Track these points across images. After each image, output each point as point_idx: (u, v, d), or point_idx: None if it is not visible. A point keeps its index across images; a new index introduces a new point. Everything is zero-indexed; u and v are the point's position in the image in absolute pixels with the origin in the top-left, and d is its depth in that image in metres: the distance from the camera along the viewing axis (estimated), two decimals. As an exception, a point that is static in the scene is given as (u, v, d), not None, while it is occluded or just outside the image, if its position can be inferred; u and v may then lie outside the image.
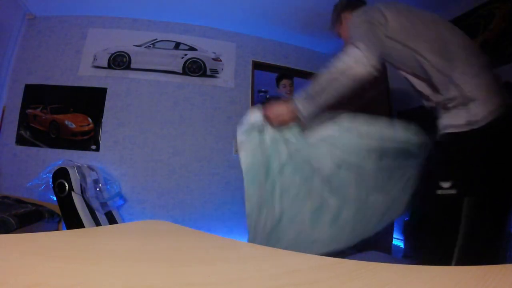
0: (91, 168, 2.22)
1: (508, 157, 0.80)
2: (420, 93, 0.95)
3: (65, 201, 1.88)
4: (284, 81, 2.38)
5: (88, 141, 2.48)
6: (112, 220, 2.16)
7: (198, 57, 2.70)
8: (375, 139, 1.03)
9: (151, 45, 2.66)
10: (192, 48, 2.71)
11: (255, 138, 1.04)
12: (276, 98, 2.30)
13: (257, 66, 2.92)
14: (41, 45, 2.54)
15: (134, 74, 2.61)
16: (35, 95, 2.48)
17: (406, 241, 2.19)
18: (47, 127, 2.45)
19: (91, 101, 2.53)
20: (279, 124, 1.05)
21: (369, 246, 1.21)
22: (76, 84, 2.52)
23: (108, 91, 2.55)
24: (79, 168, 2.04)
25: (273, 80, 2.53)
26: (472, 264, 0.29)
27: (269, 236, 1.02)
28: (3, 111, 2.43)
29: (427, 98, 0.93)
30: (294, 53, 3.06)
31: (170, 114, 2.62)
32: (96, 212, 2.01)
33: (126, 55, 2.61)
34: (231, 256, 0.39)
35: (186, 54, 2.69)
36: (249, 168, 1.02)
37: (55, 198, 1.95)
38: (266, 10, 2.50)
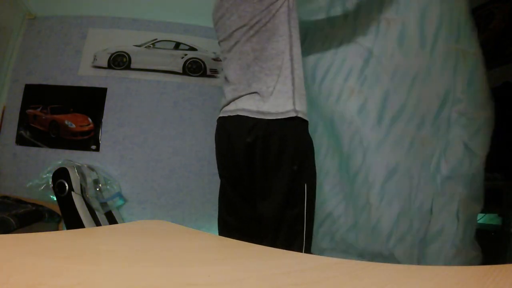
0: (91, 168, 2.22)
1: None
2: None
3: (65, 201, 1.88)
4: None
5: (88, 141, 2.48)
6: (112, 220, 2.16)
7: (198, 57, 2.70)
8: None
9: (151, 45, 2.66)
10: (192, 48, 2.71)
11: None
12: None
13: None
14: (41, 45, 2.54)
15: (134, 74, 2.61)
16: (35, 95, 2.48)
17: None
18: (47, 127, 2.45)
19: (91, 101, 2.53)
20: None
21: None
22: (76, 84, 2.52)
23: (108, 91, 2.54)
24: (79, 168, 2.04)
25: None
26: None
27: None
28: (3, 111, 2.43)
29: None
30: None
31: (170, 114, 2.62)
32: (96, 212, 2.01)
33: (126, 55, 2.61)
34: (231, 256, 0.39)
35: (186, 54, 2.69)
36: None
37: (55, 198, 1.95)
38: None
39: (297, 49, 0.90)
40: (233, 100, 0.92)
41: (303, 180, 0.84)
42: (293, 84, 0.85)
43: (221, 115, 0.97)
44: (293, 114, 0.83)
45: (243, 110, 0.88)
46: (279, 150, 0.83)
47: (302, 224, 0.83)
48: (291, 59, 0.87)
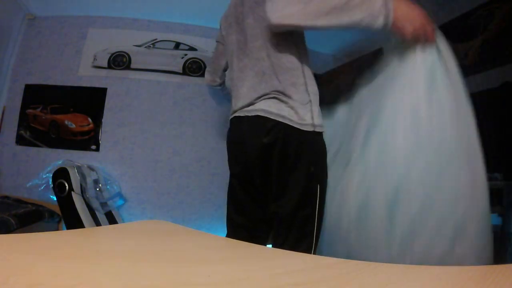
0: (91, 168, 2.22)
1: None
2: None
3: (65, 201, 1.88)
4: None
5: (88, 141, 2.48)
6: (112, 220, 2.16)
7: (198, 57, 2.70)
8: None
9: (151, 45, 2.66)
10: (192, 48, 2.71)
11: None
12: None
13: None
14: (41, 45, 2.54)
15: (134, 74, 2.61)
16: (35, 95, 2.48)
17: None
18: (47, 127, 2.45)
19: (91, 101, 2.53)
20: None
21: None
22: (76, 84, 2.52)
23: (108, 91, 2.54)
24: (79, 168, 2.04)
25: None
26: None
27: None
28: (3, 111, 2.43)
29: None
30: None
31: (170, 114, 2.62)
32: (96, 212, 2.01)
33: (126, 55, 2.61)
34: (231, 256, 0.39)
35: (186, 54, 2.69)
36: None
37: (55, 198, 1.95)
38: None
39: (307, 67, 0.92)
40: (251, 103, 0.92)
41: (316, 182, 0.86)
42: (310, 99, 0.88)
43: (236, 114, 0.96)
44: (311, 128, 0.85)
45: (263, 111, 0.88)
46: (297, 152, 0.85)
47: (313, 225, 0.85)
48: (304, 76, 0.89)
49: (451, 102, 0.72)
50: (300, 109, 0.85)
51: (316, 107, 0.88)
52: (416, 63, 0.74)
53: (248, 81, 0.93)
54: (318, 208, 0.85)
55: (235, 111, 0.98)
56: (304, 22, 0.76)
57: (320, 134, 0.88)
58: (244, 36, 0.96)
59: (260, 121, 0.88)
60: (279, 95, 0.87)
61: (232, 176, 1.02)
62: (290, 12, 0.75)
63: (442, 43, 0.76)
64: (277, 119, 0.85)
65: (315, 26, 0.76)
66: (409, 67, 0.75)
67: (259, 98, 0.90)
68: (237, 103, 0.97)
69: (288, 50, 0.89)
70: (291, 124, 0.84)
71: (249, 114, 0.91)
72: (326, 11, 0.72)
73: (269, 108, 0.87)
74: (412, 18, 0.72)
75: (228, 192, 1.03)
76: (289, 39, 0.89)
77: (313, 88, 0.91)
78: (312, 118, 0.86)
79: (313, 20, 0.74)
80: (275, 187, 0.88)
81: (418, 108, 0.72)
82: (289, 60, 0.88)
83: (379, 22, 0.71)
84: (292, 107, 0.86)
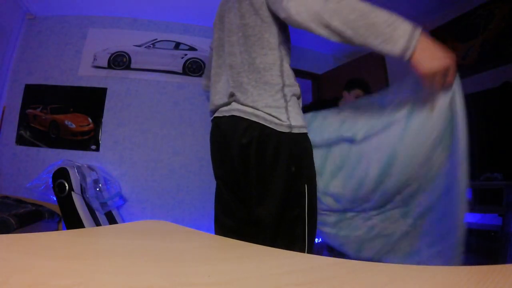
0: (91, 168, 2.22)
1: None
2: None
3: (65, 201, 1.88)
4: (358, 91, 1.91)
5: (88, 141, 2.48)
6: (112, 220, 2.16)
7: (198, 57, 2.70)
8: None
9: (151, 45, 2.66)
10: (192, 48, 2.71)
11: None
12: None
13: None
14: (41, 45, 2.54)
15: (134, 74, 2.61)
16: (35, 95, 2.48)
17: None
18: (47, 127, 2.45)
19: (91, 101, 2.53)
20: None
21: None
22: (76, 84, 2.52)
23: (108, 91, 2.55)
24: (79, 168, 2.04)
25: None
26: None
27: None
28: (3, 111, 2.43)
29: None
30: (294, 53, 3.05)
31: (170, 114, 2.62)
32: (96, 212, 2.01)
33: (126, 55, 2.61)
34: (231, 256, 0.39)
35: (186, 54, 2.69)
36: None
37: (55, 198, 1.95)
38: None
39: (287, 66, 0.88)
40: (227, 102, 0.90)
41: (302, 181, 0.82)
42: (286, 100, 0.84)
43: (216, 114, 0.94)
44: (287, 130, 0.82)
45: (238, 110, 0.86)
46: (275, 151, 0.81)
47: (303, 227, 0.80)
48: (281, 75, 0.86)
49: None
50: (273, 110, 0.82)
51: (293, 108, 0.84)
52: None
53: (224, 76, 0.91)
54: (308, 209, 0.81)
55: (214, 111, 0.96)
56: (313, 25, 0.77)
57: (301, 135, 0.84)
58: (223, 32, 0.94)
59: (236, 121, 0.86)
60: (251, 98, 0.84)
61: (216, 177, 0.99)
62: (305, 8, 0.74)
63: (459, 92, 0.78)
64: (251, 118, 0.83)
65: (322, 33, 0.77)
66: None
67: (232, 96, 0.88)
68: (214, 100, 0.95)
69: (265, 49, 0.85)
70: (265, 124, 0.81)
71: (227, 114, 0.89)
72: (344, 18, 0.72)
73: (243, 107, 0.85)
74: (434, 58, 0.69)
75: (215, 194, 1.00)
76: (267, 36, 0.85)
77: (292, 88, 0.86)
78: (289, 119, 0.82)
79: (324, 25, 0.76)
80: (257, 190, 0.84)
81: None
82: (263, 61, 0.85)
83: (396, 50, 0.68)
84: (264, 107, 0.82)
